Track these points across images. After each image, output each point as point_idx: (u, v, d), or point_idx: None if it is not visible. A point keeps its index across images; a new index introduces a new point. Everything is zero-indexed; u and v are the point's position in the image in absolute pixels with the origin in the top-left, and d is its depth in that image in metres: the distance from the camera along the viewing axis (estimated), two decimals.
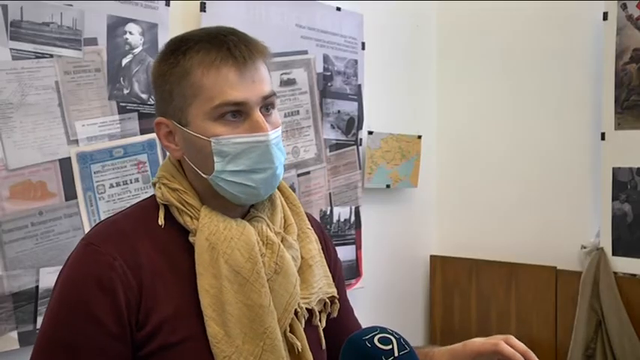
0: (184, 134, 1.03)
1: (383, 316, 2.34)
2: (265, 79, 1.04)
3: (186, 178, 1.07)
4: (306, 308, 1.09)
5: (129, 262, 0.98)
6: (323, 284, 1.13)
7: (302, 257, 1.11)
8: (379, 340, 0.91)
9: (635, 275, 2.42)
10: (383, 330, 0.93)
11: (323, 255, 1.17)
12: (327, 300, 1.14)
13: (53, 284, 1.04)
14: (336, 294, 1.15)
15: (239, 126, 1.01)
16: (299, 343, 1.05)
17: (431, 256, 3.02)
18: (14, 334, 1.66)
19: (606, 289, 2.41)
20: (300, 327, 1.07)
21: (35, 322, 1.69)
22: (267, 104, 1.04)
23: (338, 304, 1.15)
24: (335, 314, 1.15)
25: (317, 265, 1.13)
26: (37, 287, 1.70)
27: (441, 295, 2.97)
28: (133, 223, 1.05)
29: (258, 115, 1.01)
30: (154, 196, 1.09)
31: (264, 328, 1.01)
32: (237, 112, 1.01)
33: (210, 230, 1.02)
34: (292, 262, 1.07)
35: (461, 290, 2.90)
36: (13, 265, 1.66)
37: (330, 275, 1.16)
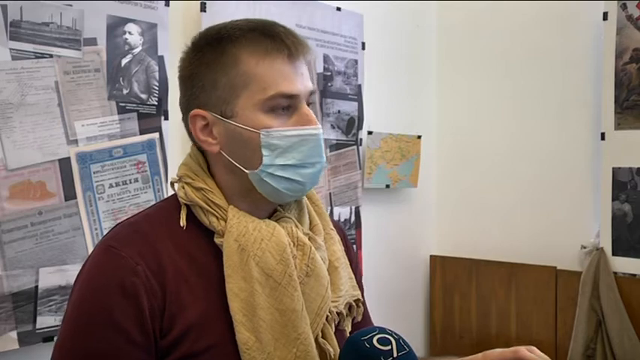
0: (227, 127, 0.98)
1: (383, 316, 2.32)
2: (308, 75, 1.01)
3: (211, 176, 1.02)
4: (336, 312, 1.04)
5: (152, 266, 0.93)
6: (348, 287, 1.09)
7: (328, 259, 1.07)
8: (378, 340, 0.90)
9: (635, 275, 2.42)
10: (382, 330, 0.93)
11: (346, 256, 1.13)
12: (353, 303, 1.09)
13: (72, 286, 0.99)
14: (360, 297, 1.11)
15: (288, 119, 0.98)
16: (331, 349, 1.00)
17: (431, 256, 3.02)
18: (14, 334, 1.66)
19: (606, 289, 2.41)
20: (332, 332, 1.03)
21: (35, 322, 1.69)
22: (309, 101, 1.01)
23: (362, 308, 1.11)
24: (359, 318, 1.11)
25: (342, 267, 1.09)
26: (36, 287, 1.69)
27: (441, 295, 2.97)
28: (154, 224, 1.00)
29: (307, 108, 0.99)
30: (172, 196, 1.05)
31: (298, 333, 0.96)
32: (286, 105, 0.98)
33: (239, 231, 0.97)
34: (323, 264, 1.03)
35: (461, 290, 2.90)
36: (12, 265, 1.66)
37: (353, 277, 1.12)
